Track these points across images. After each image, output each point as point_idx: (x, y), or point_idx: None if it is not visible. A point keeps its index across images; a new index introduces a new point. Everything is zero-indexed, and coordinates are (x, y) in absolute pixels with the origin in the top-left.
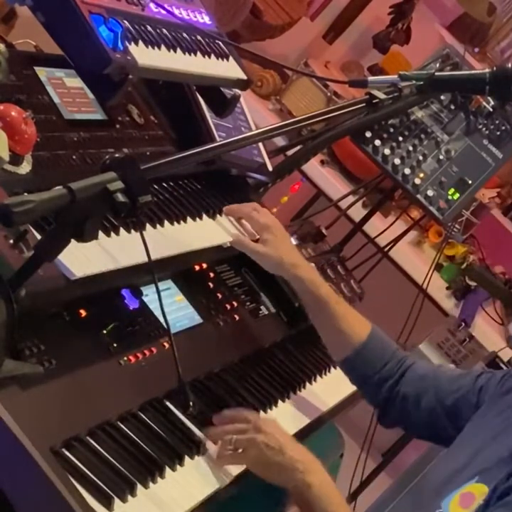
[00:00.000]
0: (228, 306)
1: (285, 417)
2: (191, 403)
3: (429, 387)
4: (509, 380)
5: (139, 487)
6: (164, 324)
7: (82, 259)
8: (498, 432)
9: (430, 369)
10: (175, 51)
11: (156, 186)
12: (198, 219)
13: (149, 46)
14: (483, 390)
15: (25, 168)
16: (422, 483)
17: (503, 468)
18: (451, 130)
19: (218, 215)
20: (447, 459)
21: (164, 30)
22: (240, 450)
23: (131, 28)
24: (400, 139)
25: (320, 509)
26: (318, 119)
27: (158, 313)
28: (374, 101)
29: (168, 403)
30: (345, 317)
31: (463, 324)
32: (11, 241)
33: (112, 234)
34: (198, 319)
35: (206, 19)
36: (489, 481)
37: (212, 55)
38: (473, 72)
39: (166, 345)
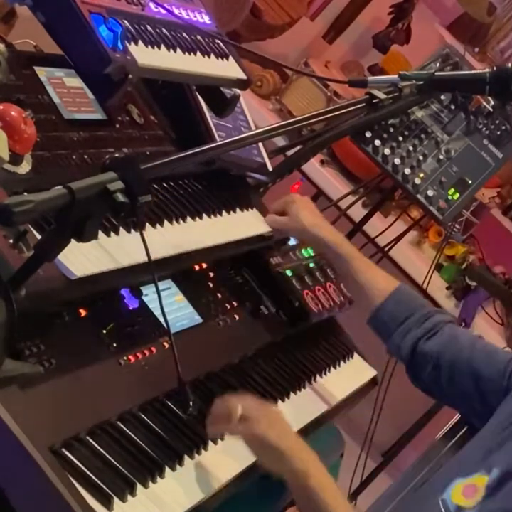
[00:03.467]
0: (228, 306)
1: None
2: (191, 403)
3: (464, 362)
4: None
5: (139, 487)
6: (164, 324)
7: (82, 259)
8: None
9: (468, 340)
10: (175, 51)
11: (156, 186)
12: (198, 219)
13: (149, 46)
14: None
15: (25, 167)
16: (432, 478)
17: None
18: (451, 130)
19: (218, 215)
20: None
21: (164, 30)
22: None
23: (130, 27)
24: (400, 139)
25: (318, 499)
26: (318, 119)
27: (158, 313)
28: (374, 101)
29: (168, 403)
30: (367, 273)
31: (463, 324)
32: (11, 241)
33: (112, 234)
34: (198, 319)
35: (206, 19)
36: (491, 469)
37: (212, 55)
38: (473, 72)
39: (166, 345)
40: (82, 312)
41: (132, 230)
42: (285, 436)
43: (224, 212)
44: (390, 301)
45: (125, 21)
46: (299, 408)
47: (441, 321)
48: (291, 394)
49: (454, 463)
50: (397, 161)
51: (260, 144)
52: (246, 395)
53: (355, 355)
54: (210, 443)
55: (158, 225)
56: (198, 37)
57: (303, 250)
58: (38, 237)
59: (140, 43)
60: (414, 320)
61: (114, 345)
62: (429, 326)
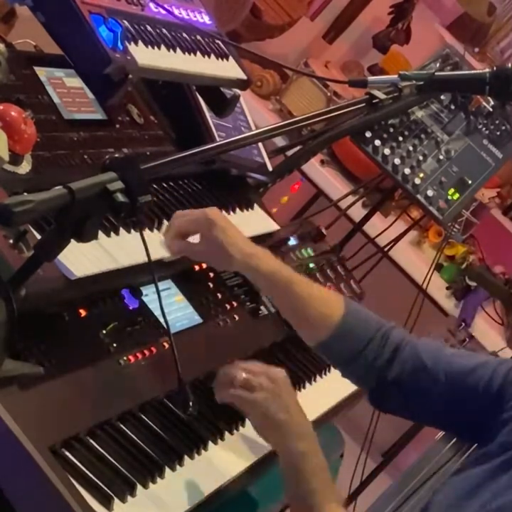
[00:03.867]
0: (228, 306)
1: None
2: (191, 403)
3: (440, 377)
4: None
5: (139, 487)
6: (164, 324)
7: (82, 259)
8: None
9: (437, 353)
10: (175, 51)
11: (156, 186)
12: None
13: (149, 46)
14: (507, 384)
15: (25, 168)
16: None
17: None
18: (451, 130)
19: None
20: (462, 477)
21: (164, 30)
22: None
23: (130, 27)
24: (400, 139)
25: (307, 482)
26: (318, 119)
27: (158, 313)
28: (374, 101)
29: (168, 403)
30: (311, 298)
31: (463, 324)
32: (11, 241)
33: (112, 234)
34: (198, 319)
35: (206, 19)
36: None
37: (212, 55)
38: (473, 72)
39: (166, 345)
40: (82, 312)
41: (132, 230)
42: (288, 409)
43: (224, 213)
44: (341, 329)
45: (125, 21)
46: None
47: (399, 340)
48: None
49: (454, 493)
50: (397, 161)
51: (260, 144)
52: (254, 361)
53: None
54: (210, 443)
55: (158, 225)
56: (198, 37)
57: (303, 250)
58: (38, 237)
59: (140, 43)
60: (373, 348)
61: (114, 345)
62: (389, 350)
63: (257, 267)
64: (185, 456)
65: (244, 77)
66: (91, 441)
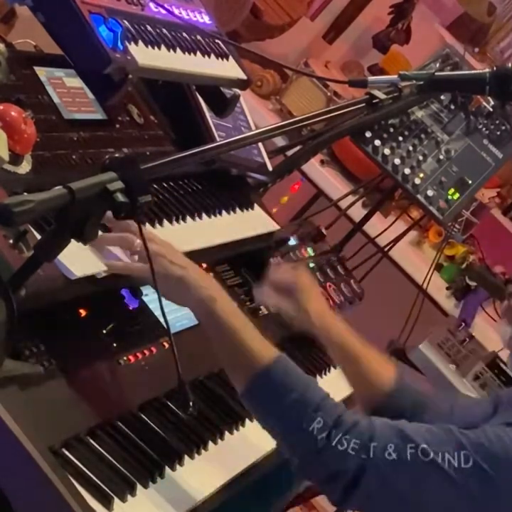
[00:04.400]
0: None
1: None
2: (191, 403)
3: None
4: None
5: (139, 487)
6: (164, 324)
7: (82, 259)
8: None
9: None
10: (175, 51)
11: (156, 186)
12: (198, 219)
13: (149, 46)
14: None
15: (25, 167)
16: None
17: None
18: (451, 130)
19: (218, 215)
20: None
21: (164, 30)
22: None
23: (130, 27)
24: (400, 139)
25: (226, 320)
26: (318, 119)
27: (158, 313)
28: (374, 101)
29: (168, 403)
30: (372, 369)
31: (463, 324)
32: (11, 241)
33: None
34: None
35: (206, 19)
36: None
37: (212, 55)
38: (473, 72)
39: (166, 345)
40: (82, 312)
41: None
42: (187, 266)
43: (224, 212)
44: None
45: (125, 21)
46: None
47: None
48: None
49: None
50: (397, 161)
51: (260, 144)
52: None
53: None
54: (210, 443)
55: (158, 225)
56: (198, 37)
57: (302, 250)
58: (38, 237)
59: (140, 43)
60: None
61: (114, 345)
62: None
63: (333, 341)
64: (185, 456)
65: (244, 77)
66: (91, 441)
